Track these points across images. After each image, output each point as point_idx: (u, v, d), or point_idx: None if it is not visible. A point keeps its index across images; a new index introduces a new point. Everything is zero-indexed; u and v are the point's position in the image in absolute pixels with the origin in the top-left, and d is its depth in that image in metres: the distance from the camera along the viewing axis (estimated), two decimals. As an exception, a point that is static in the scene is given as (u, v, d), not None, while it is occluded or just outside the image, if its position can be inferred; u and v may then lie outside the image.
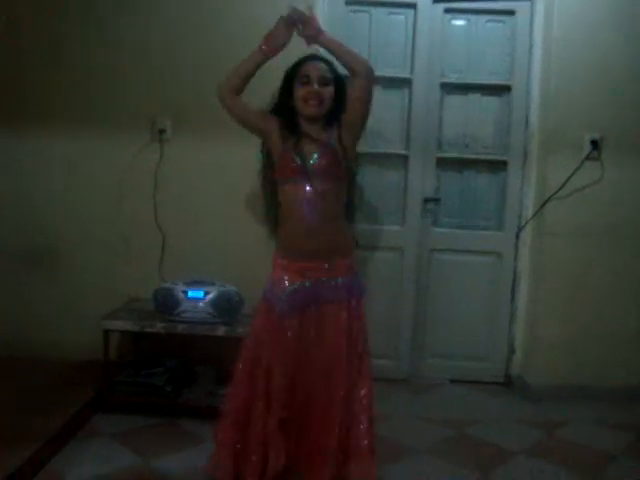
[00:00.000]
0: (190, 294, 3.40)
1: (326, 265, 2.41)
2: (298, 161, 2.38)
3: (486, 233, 4.09)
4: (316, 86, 2.39)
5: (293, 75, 2.44)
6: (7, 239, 3.86)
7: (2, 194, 3.85)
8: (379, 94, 3.98)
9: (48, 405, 3.20)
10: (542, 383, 3.87)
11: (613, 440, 3.37)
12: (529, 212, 3.98)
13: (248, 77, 2.46)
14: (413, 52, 3.96)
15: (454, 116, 4.04)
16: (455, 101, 4.04)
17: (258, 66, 2.45)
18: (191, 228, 3.82)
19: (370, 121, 3.92)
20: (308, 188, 2.38)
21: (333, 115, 2.45)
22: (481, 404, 3.85)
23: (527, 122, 3.96)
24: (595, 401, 3.79)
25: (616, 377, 3.88)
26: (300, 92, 2.40)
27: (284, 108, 2.47)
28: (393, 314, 4.06)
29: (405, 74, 3.99)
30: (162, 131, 3.76)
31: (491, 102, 4.04)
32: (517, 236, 4.04)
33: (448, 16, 3.96)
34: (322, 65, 2.44)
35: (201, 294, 3.40)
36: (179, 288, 3.42)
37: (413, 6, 3.91)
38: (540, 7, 3.84)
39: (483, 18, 3.97)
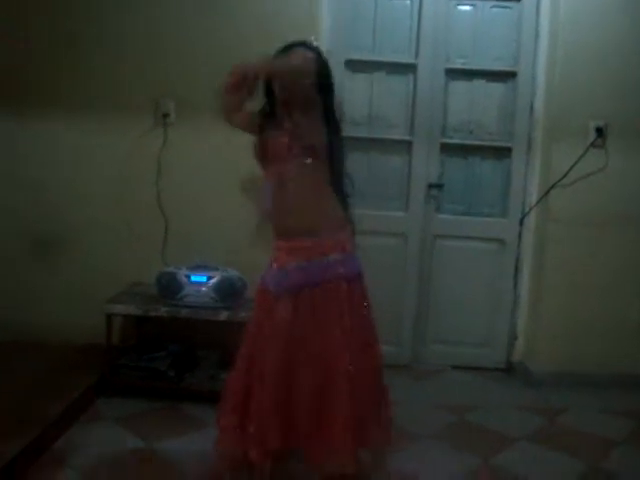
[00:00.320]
0: (193, 278, 3.41)
1: (313, 242, 2.40)
2: (261, 146, 2.48)
3: (490, 220, 4.08)
4: None
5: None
6: (10, 224, 3.85)
7: (5, 179, 3.84)
8: (384, 79, 3.98)
9: (51, 389, 3.21)
10: (544, 370, 3.87)
11: (614, 427, 3.38)
12: (533, 199, 3.97)
13: (236, 106, 2.56)
14: (418, 37, 3.94)
15: (459, 102, 4.02)
16: (460, 87, 4.02)
17: (239, 95, 2.45)
18: (194, 212, 3.81)
19: (374, 106, 3.99)
20: (272, 171, 2.44)
21: (314, 102, 2.42)
22: (483, 390, 3.86)
23: (532, 109, 3.95)
24: (597, 388, 3.80)
25: (618, 364, 3.89)
26: None
27: (267, 91, 2.47)
28: (396, 300, 4.06)
29: (410, 59, 3.96)
30: (166, 115, 3.74)
31: (496, 88, 4.02)
32: (521, 223, 4.03)
33: (454, 1, 3.93)
34: (307, 53, 2.42)
35: (204, 279, 3.40)
36: (182, 272, 3.43)
37: (419, -9, 3.90)
38: (546, -8, 3.82)
39: (489, 3, 3.94)
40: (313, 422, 2.37)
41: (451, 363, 4.14)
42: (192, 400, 3.38)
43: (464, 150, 4.06)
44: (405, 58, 3.97)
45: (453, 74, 4.00)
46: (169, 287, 3.41)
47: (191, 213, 3.81)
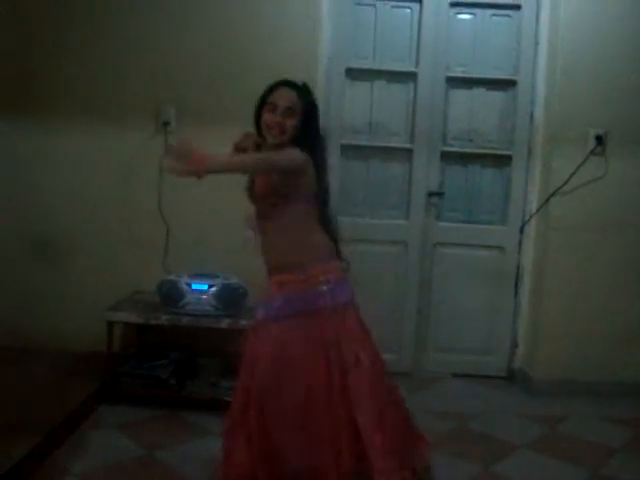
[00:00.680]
0: (194, 286, 3.42)
1: (302, 276, 2.40)
2: (247, 184, 2.50)
3: (490, 227, 4.09)
4: (279, 116, 2.36)
5: (265, 98, 2.43)
6: (12, 230, 3.86)
7: (7, 183, 3.85)
8: (384, 87, 4.00)
9: (53, 396, 3.21)
10: (545, 377, 3.87)
11: (615, 435, 3.38)
12: (533, 207, 3.98)
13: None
14: (418, 46, 3.96)
15: (459, 110, 4.03)
16: (460, 95, 4.03)
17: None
18: (195, 220, 3.82)
19: (375, 115, 4.01)
20: (257, 208, 2.47)
21: (300, 141, 2.42)
22: (483, 398, 3.86)
23: (532, 117, 3.96)
24: (598, 396, 3.79)
25: (619, 372, 3.88)
26: (265, 118, 2.39)
27: (256, 128, 2.47)
28: (396, 308, 4.07)
29: (410, 68, 3.98)
30: (166, 123, 3.76)
31: (496, 96, 4.03)
32: (521, 230, 4.04)
33: (454, 10, 3.96)
34: (292, 94, 2.41)
35: (205, 287, 3.41)
36: (183, 280, 3.43)
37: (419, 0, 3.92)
38: (546, 1, 3.84)
39: (489, 12, 3.96)
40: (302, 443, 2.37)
41: (452, 371, 4.14)
42: (193, 408, 3.38)
43: (464, 158, 4.07)
44: (405, 66, 3.99)
45: (453, 82, 4.01)
46: (170, 295, 3.42)
47: (192, 220, 3.82)
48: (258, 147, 2.46)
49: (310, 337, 2.35)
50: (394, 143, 4.04)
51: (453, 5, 3.94)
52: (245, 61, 3.70)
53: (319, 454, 2.31)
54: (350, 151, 4.02)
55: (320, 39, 3.80)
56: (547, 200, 3.84)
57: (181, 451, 2.99)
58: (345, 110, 4.00)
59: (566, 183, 3.77)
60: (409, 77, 4.00)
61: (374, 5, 3.96)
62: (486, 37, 3.97)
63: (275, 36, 3.69)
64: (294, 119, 2.37)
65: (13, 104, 3.77)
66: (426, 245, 4.07)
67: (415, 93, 3.99)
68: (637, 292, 3.88)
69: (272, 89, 2.42)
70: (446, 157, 4.05)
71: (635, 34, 3.71)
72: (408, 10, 3.96)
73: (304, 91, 2.44)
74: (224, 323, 3.38)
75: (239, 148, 2.49)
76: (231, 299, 3.41)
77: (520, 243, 4.06)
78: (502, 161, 4.05)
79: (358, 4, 3.95)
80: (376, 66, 3.99)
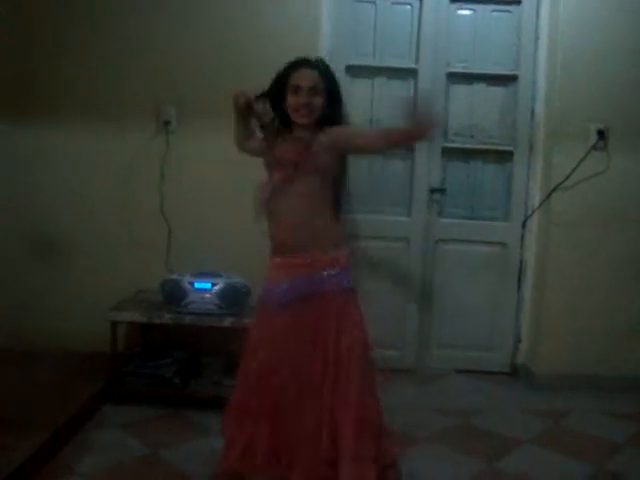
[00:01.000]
0: (197, 285, 3.42)
1: (308, 260, 2.40)
2: (271, 154, 2.45)
3: (492, 223, 4.09)
4: (305, 98, 2.37)
5: (285, 80, 2.42)
6: (12, 230, 3.87)
7: (7, 183, 3.86)
8: (385, 84, 3.99)
9: (57, 396, 3.22)
10: (548, 372, 3.88)
11: (618, 429, 3.38)
12: (535, 202, 3.98)
13: (245, 135, 2.54)
14: (418, 42, 3.95)
15: (460, 106, 4.03)
16: (461, 91, 4.03)
17: (242, 125, 2.49)
18: (197, 219, 3.82)
19: (375, 111, 4.00)
20: (276, 175, 2.43)
21: (325, 119, 2.42)
22: (487, 394, 3.86)
23: (533, 112, 3.96)
24: (601, 390, 3.80)
25: (622, 366, 3.89)
26: (291, 101, 2.39)
27: (276, 109, 2.45)
28: (399, 304, 4.07)
29: (410, 64, 3.98)
30: (167, 123, 3.77)
31: (497, 92, 4.03)
32: (523, 226, 4.04)
33: (454, 6, 3.95)
34: (313, 74, 2.40)
35: (208, 285, 3.42)
36: (186, 279, 3.44)
37: (419, -4, 3.92)
38: (546, -4, 3.84)
39: (489, 8, 3.96)
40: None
41: (455, 367, 4.14)
42: (197, 407, 3.39)
43: (466, 154, 4.07)
44: (406, 63, 3.99)
45: (454, 78, 4.01)
46: (173, 294, 3.42)
47: (194, 219, 3.83)
48: (249, 108, 2.43)
49: (311, 321, 2.36)
50: (395, 140, 4.04)
51: (453, 1, 3.94)
52: (245, 61, 3.70)
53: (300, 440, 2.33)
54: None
55: (320, 37, 3.80)
56: (549, 195, 3.83)
57: (185, 450, 2.99)
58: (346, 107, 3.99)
59: (567, 178, 3.76)
60: (409, 73, 4.00)
61: (374, 2, 3.96)
62: (486, 33, 3.97)
63: (275, 35, 3.68)
64: (320, 97, 2.38)
65: (13, 104, 3.77)
66: (428, 241, 4.07)
67: (416, 89, 3.98)
68: (638, 287, 3.87)
69: (289, 71, 2.41)
70: (447, 153, 4.05)
71: (635, 28, 3.70)
72: (408, 6, 3.96)
73: (323, 68, 2.44)
74: (227, 322, 3.39)
75: (258, 115, 2.44)
76: (234, 298, 3.41)
77: (522, 239, 4.06)
78: (503, 157, 4.05)
79: (358, 1, 3.95)
80: (376, 63, 3.99)
